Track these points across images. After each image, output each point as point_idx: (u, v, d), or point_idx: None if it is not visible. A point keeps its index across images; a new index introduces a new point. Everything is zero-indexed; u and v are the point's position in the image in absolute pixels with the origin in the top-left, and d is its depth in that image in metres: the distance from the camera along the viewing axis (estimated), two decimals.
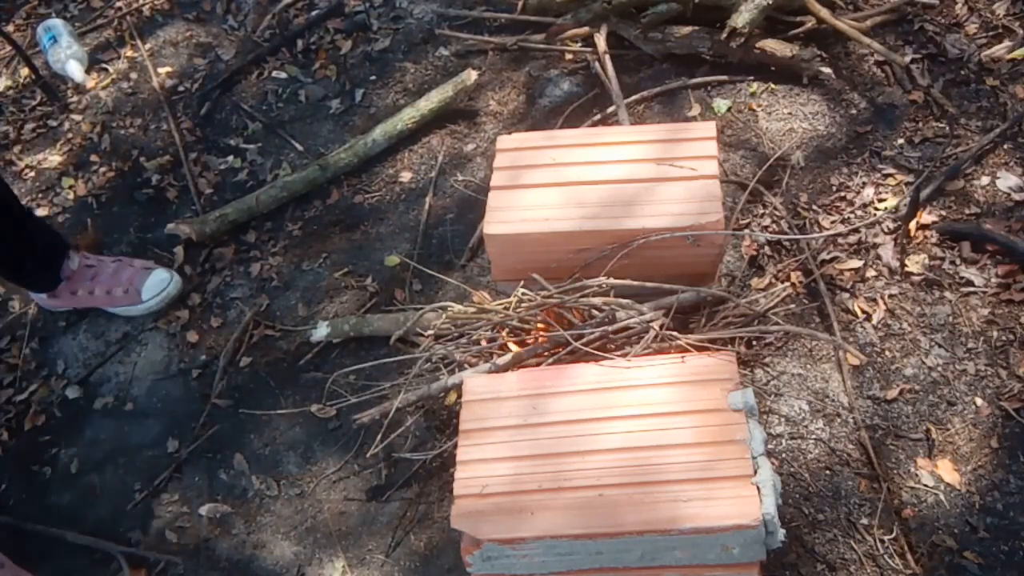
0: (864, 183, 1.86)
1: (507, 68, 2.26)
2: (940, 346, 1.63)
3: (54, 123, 2.43)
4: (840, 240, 1.79)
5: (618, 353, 1.52)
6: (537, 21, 2.26)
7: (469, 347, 1.63)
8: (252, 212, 2.08)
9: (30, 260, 1.89)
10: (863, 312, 1.69)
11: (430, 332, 1.68)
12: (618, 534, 1.25)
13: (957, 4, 2.10)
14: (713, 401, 1.36)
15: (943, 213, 1.79)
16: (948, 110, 1.92)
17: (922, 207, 1.78)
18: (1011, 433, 1.52)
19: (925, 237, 1.76)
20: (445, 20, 2.40)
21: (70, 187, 2.28)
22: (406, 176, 2.12)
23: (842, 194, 1.86)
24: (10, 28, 2.70)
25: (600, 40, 2.14)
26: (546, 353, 1.57)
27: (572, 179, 1.64)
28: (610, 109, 2.05)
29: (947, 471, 1.50)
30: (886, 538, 1.45)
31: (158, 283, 1.96)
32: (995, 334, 1.62)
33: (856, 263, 1.75)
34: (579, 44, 2.23)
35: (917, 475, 1.50)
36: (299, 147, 2.23)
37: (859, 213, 1.82)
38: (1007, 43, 2.00)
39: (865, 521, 1.47)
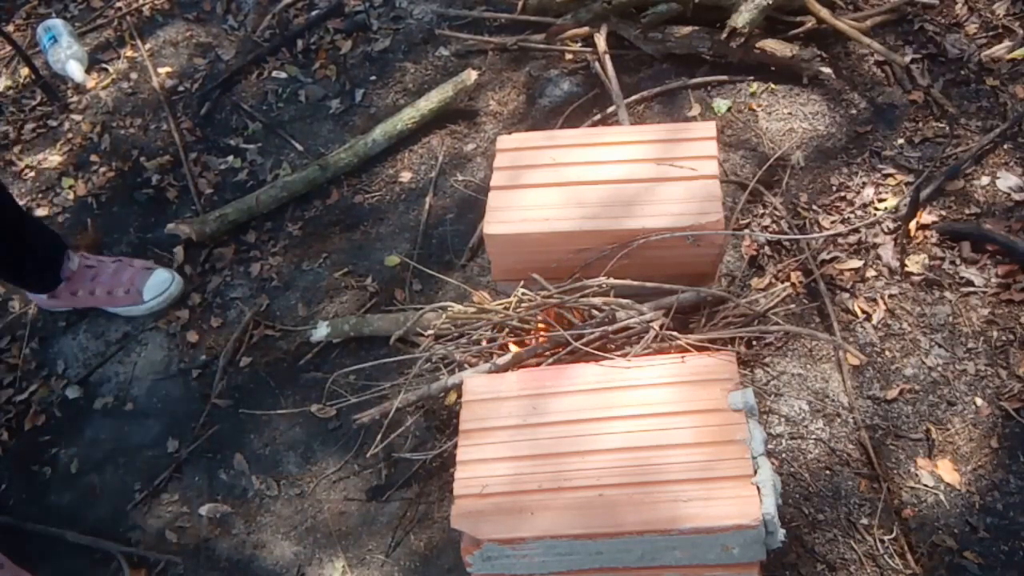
0: (864, 183, 1.86)
1: (507, 68, 2.26)
2: (940, 346, 1.63)
3: (54, 123, 2.43)
4: (840, 240, 1.79)
5: (618, 353, 1.52)
6: (537, 21, 2.26)
7: (469, 347, 1.63)
8: (252, 212, 2.08)
9: (29, 261, 1.89)
10: (863, 312, 1.69)
11: (430, 332, 1.68)
12: (618, 534, 1.25)
13: (957, 4, 2.10)
14: (713, 401, 1.36)
15: (943, 213, 1.79)
16: (948, 110, 1.92)
17: (922, 207, 1.78)
18: (1011, 433, 1.52)
19: (925, 237, 1.76)
20: (445, 20, 2.40)
21: (70, 187, 2.28)
22: (406, 176, 2.12)
23: (842, 194, 1.86)
24: (10, 28, 2.70)
25: (600, 40, 2.14)
26: (546, 353, 1.57)
27: (572, 179, 1.64)
28: (610, 109, 2.05)
29: (947, 471, 1.50)
30: (886, 538, 1.45)
31: (160, 283, 1.96)
32: (995, 334, 1.63)
33: (856, 263, 1.75)
34: (579, 44, 2.23)
35: (917, 475, 1.50)
36: (299, 147, 2.23)
37: (859, 213, 1.82)
38: (1007, 43, 2.00)
39: (865, 521, 1.47)
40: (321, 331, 1.82)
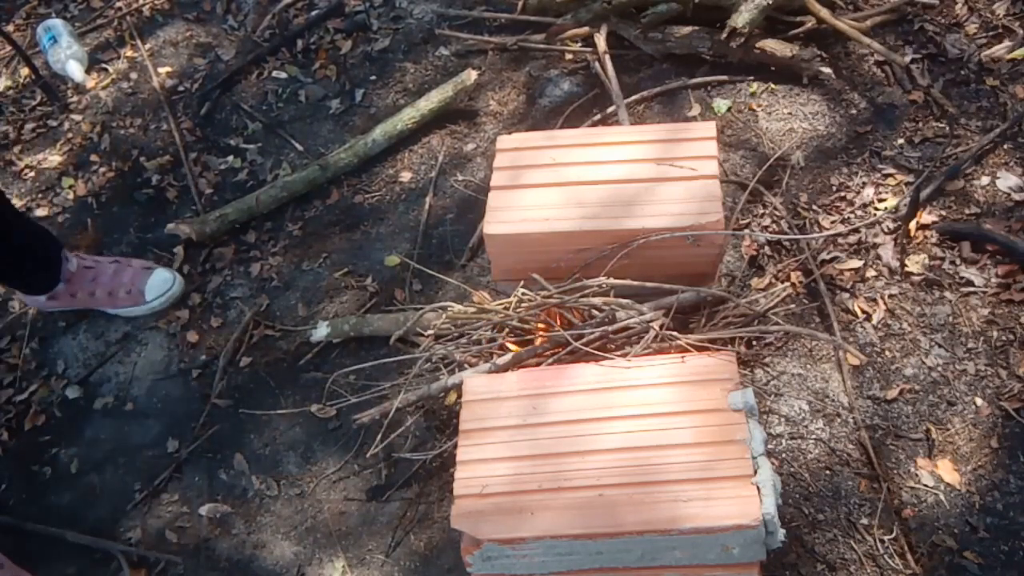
0: (864, 183, 1.86)
1: (507, 68, 2.26)
2: (940, 346, 1.63)
3: (54, 123, 2.43)
4: (840, 240, 1.79)
5: (618, 353, 1.52)
6: (537, 21, 2.26)
7: (469, 347, 1.63)
8: (252, 212, 2.08)
9: (28, 262, 1.88)
10: (863, 312, 1.69)
11: (430, 332, 1.68)
12: (618, 534, 1.25)
13: (957, 4, 2.10)
14: (713, 401, 1.36)
15: (943, 213, 1.79)
16: (948, 110, 1.92)
17: (922, 207, 1.78)
18: (1011, 433, 1.52)
19: (925, 237, 1.76)
20: (445, 20, 2.40)
21: (70, 187, 2.28)
22: (406, 176, 2.12)
23: (842, 194, 1.86)
24: (10, 28, 2.70)
25: (600, 40, 2.14)
26: (546, 353, 1.57)
27: (572, 179, 1.64)
28: (610, 109, 2.05)
29: (947, 471, 1.50)
30: (886, 538, 1.45)
31: (161, 283, 1.96)
32: (995, 334, 1.63)
33: (856, 263, 1.75)
34: (579, 44, 2.23)
35: (917, 475, 1.50)
36: (299, 147, 2.23)
37: (859, 213, 1.82)
38: (1007, 43, 2.00)
39: (865, 521, 1.47)
40: (321, 331, 1.82)
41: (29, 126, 2.44)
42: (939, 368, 1.61)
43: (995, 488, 1.47)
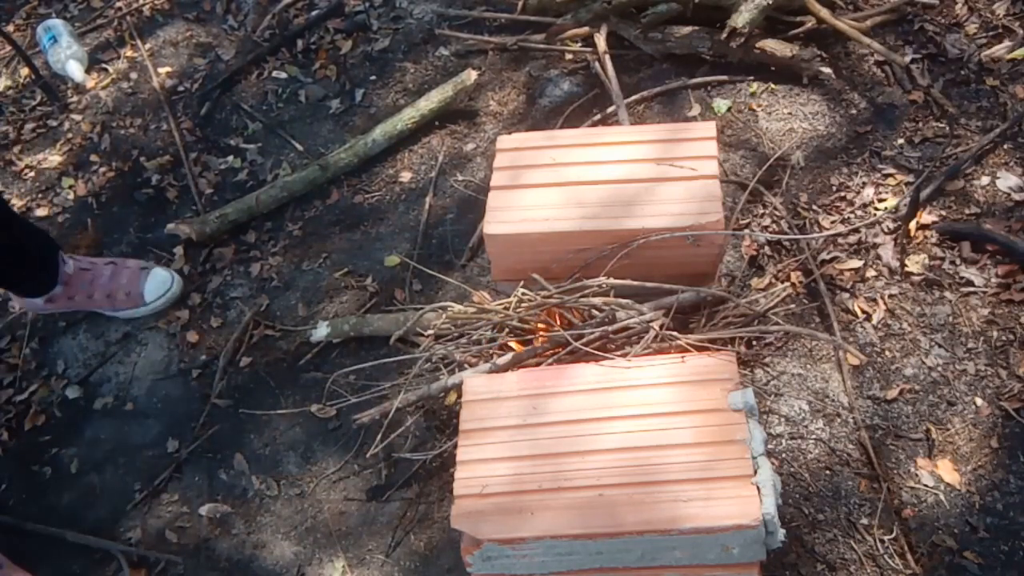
0: (864, 183, 1.86)
1: (507, 68, 2.26)
2: (940, 346, 1.63)
3: (54, 123, 2.43)
4: (840, 240, 1.79)
5: (618, 353, 1.52)
6: (537, 21, 2.26)
7: (469, 347, 1.63)
8: (252, 212, 2.08)
9: (26, 264, 1.85)
10: (863, 312, 1.69)
11: (430, 332, 1.68)
12: (618, 534, 1.25)
13: (957, 4, 2.10)
14: (713, 401, 1.36)
15: (943, 213, 1.79)
16: (948, 110, 1.92)
17: (922, 207, 1.78)
18: (1011, 433, 1.52)
19: (925, 237, 1.76)
20: (445, 20, 2.40)
21: (70, 187, 2.28)
22: (406, 176, 2.12)
23: (842, 194, 1.86)
24: (10, 28, 2.70)
25: (600, 40, 2.14)
26: (546, 353, 1.57)
27: (572, 179, 1.64)
28: (610, 109, 2.05)
29: (947, 471, 1.50)
30: (886, 538, 1.45)
31: (160, 284, 1.95)
32: (995, 334, 1.63)
33: (856, 263, 1.75)
34: (579, 44, 2.23)
35: (917, 475, 1.50)
36: (299, 147, 2.23)
37: (859, 213, 1.82)
38: (1007, 43, 2.00)
39: (865, 521, 1.47)
40: (321, 331, 1.82)
41: (29, 126, 2.44)
42: (939, 368, 1.61)
43: (995, 488, 1.47)
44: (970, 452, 1.51)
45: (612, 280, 1.57)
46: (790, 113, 2.01)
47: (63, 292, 1.92)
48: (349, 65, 2.37)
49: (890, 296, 1.70)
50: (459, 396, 1.52)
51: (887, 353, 1.64)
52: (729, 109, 2.04)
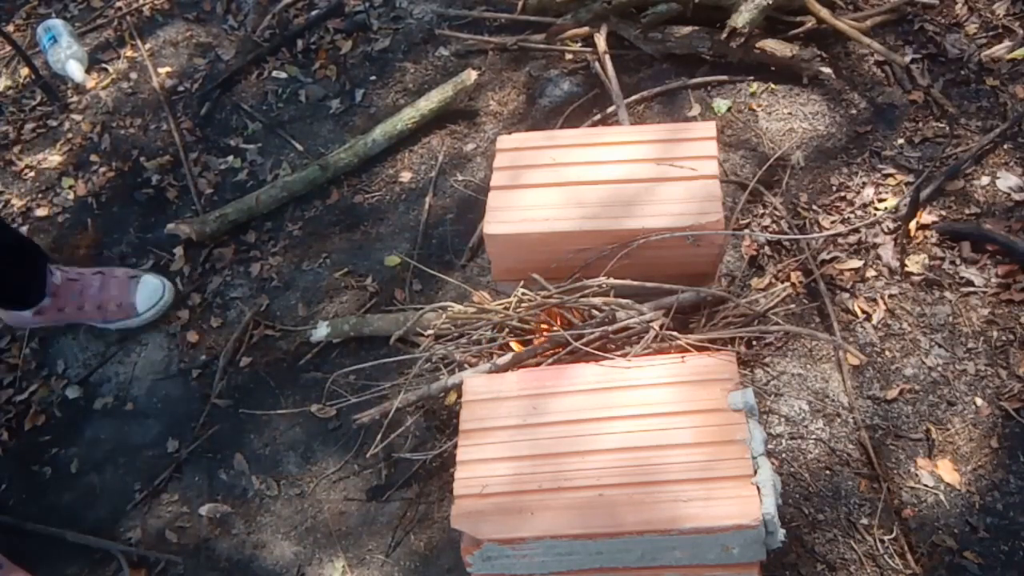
0: (864, 183, 1.86)
1: (507, 68, 2.26)
2: (940, 346, 1.63)
3: (54, 123, 2.43)
4: (840, 240, 1.79)
5: (618, 353, 1.52)
6: (537, 21, 2.26)
7: (469, 347, 1.63)
8: (252, 212, 2.08)
9: (15, 273, 1.80)
10: (863, 312, 1.69)
11: (430, 332, 1.68)
12: (618, 534, 1.25)
13: (957, 4, 2.10)
14: (713, 401, 1.36)
15: (943, 213, 1.79)
16: (948, 110, 1.92)
17: (922, 207, 1.78)
18: (1011, 433, 1.52)
19: (925, 237, 1.76)
20: (445, 20, 2.40)
21: (70, 187, 2.28)
22: (406, 176, 2.12)
23: (842, 194, 1.86)
24: (10, 28, 2.70)
25: (600, 40, 2.14)
26: (546, 353, 1.57)
27: (572, 179, 1.64)
28: (610, 109, 2.05)
29: (947, 471, 1.50)
30: (886, 538, 1.45)
31: (152, 293, 1.92)
32: (995, 334, 1.63)
33: (856, 263, 1.75)
34: (579, 44, 2.23)
35: (917, 475, 1.50)
36: (299, 147, 2.23)
37: (859, 213, 1.82)
38: (1007, 43, 2.00)
39: (865, 521, 1.47)
40: (321, 331, 1.82)
41: (29, 126, 2.44)
42: (939, 368, 1.61)
43: (995, 488, 1.47)
44: (970, 452, 1.51)
45: (612, 280, 1.57)
46: (790, 113, 2.01)
47: (52, 304, 1.88)
48: (349, 65, 2.37)
49: (890, 296, 1.70)
50: (459, 396, 1.52)
51: (887, 353, 1.64)
52: (729, 109, 2.04)
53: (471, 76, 2.15)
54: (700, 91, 2.09)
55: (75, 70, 2.45)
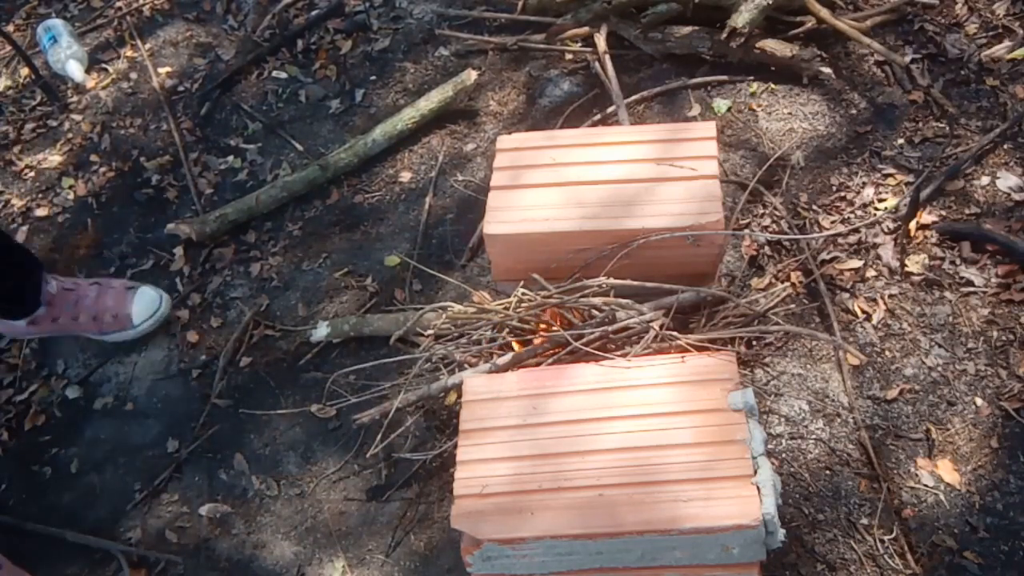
0: (864, 183, 1.86)
1: (507, 68, 2.26)
2: (940, 346, 1.63)
3: (54, 123, 2.43)
4: (840, 240, 1.79)
5: (618, 353, 1.52)
6: (537, 21, 2.26)
7: (469, 347, 1.63)
8: (252, 212, 2.08)
9: (8, 283, 1.77)
10: (863, 312, 1.69)
11: (430, 332, 1.68)
12: (618, 534, 1.25)
13: (957, 4, 2.10)
14: (713, 401, 1.36)
15: (943, 213, 1.79)
16: (948, 110, 1.92)
17: (922, 207, 1.78)
18: (1011, 433, 1.52)
19: (925, 237, 1.76)
20: (445, 20, 2.40)
21: (70, 187, 2.28)
22: (406, 176, 2.12)
23: (842, 194, 1.86)
24: (10, 28, 2.70)
25: (600, 40, 2.14)
26: (546, 353, 1.57)
27: (572, 179, 1.64)
28: (610, 109, 2.05)
29: (947, 471, 1.50)
30: (886, 538, 1.45)
31: (149, 304, 1.90)
32: (995, 334, 1.62)
33: (856, 263, 1.75)
34: (579, 44, 2.23)
35: (917, 475, 1.50)
36: (299, 147, 2.23)
37: (859, 213, 1.82)
38: (1007, 43, 2.00)
39: (865, 521, 1.47)
40: (321, 331, 1.82)
41: (29, 126, 2.44)
42: (939, 368, 1.61)
43: (995, 488, 1.47)
44: (970, 452, 1.51)
45: (612, 280, 1.57)
46: (790, 113, 2.01)
47: (47, 314, 1.85)
48: (349, 65, 2.37)
49: (890, 296, 1.70)
50: (459, 396, 1.52)
51: (887, 353, 1.64)
52: (729, 109, 2.04)
53: (471, 76, 2.15)
54: (700, 91, 2.09)
55: (75, 70, 2.45)
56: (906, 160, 1.88)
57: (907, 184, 1.83)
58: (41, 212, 2.24)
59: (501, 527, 1.28)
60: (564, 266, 1.61)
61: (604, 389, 1.41)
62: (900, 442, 1.54)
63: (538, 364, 1.56)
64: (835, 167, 1.90)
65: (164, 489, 1.74)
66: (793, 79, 2.04)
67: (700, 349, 1.50)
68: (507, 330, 1.63)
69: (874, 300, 1.70)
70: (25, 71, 2.50)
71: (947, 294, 1.68)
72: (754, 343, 1.68)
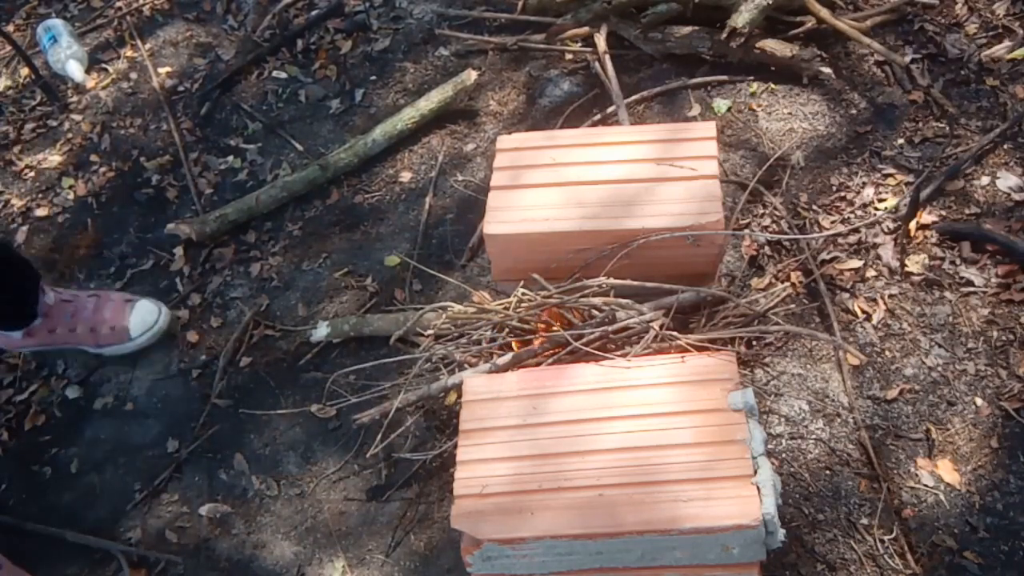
0: (864, 183, 1.86)
1: (507, 68, 2.26)
2: (940, 346, 1.63)
3: (54, 123, 2.43)
4: (840, 240, 1.79)
5: (618, 353, 1.52)
6: (537, 21, 2.26)
7: (469, 347, 1.63)
8: (252, 212, 2.08)
9: (7, 292, 1.75)
10: (863, 312, 1.69)
11: (430, 332, 1.68)
12: (618, 534, 1.25)
13: (957, 4, 2.10)
14: (713, 401, 1.36)
15: (943, 213, 1.79)
16: (948, 110, 1.92)
17: (922, 207, 1.78)
18: (1011, 433, 1.52)
19: (925, 237, 1.76)
20: (445, 20, 2.40)
21: (70, 187, 2.28)
22: (406, 176, 2.12)
23: (842, 194, 1.86)
24: (10, 28, 2.70)
25: (600, 40, 2.14)
26: (546, 353, 1.57)
27: (572, 179, 1.64)
28: (610, 109, 2.05)
29: (947, 471, 1.50)
30: (886, 538, 1.45)
31: (147, 317, 1.87)
32: (995, 334, 1.62)
33: (856, 263, 1.75)
34: (579, 44, 2.23)
35: (917, 475, 1.50)
36: (299, 147, 2.23)
37: (859, 213, 1.82)
38: (1007, 43, 2.00)
39: (865, 521, 1.47)
40: (321, 331, 1.82)
41: (29, 126, 2.44)
42: (939, 368, 1.61)
43: (995, 488, 1.47)
44: (970, 452, 1.51)
45: (612, 280, 1.57)
46: (790, 113, 2.01)
47: (43, 325, 1.83)
48: (349, 65, 2.37)
49: (890, 296, 1.70)
50: (459, 396, 1.52)
51: (887, 353, 1.64)
52: (729, 109, 2.04)
53: (471, 76, 2.15)
54: (700, 91, 2.09)
55: (75, 70, 2.45)
56: (906, 160, 1.88)
57: (907, 184, 1.83)
58: (41, 212, 2.24)
59: (501, 527, 1.28)
60: (564, 266, 1.61)
61: (604, 389, 1.41)
62: (900, 442, 1.54)
63: (538, 364, 1.56)
64: (835, 167, 1.90)
65: (164, 489, 1.74)
66: (793, 79, 2.04)
67: (700, 349, 1.50)
68: (507, 330, 1.63)
69: (874, 300, 1.70)
70: (25, 71, 2.50)
71: (947, 294, 1.68)
72: (754, 343, 1.68)
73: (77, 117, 2.43)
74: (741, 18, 1.96)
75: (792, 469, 1.54)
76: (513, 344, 1.62)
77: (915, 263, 1.72)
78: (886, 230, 1.78)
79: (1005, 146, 1.85)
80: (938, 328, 1.65)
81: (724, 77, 2.09)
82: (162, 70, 2.48)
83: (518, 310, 1.60)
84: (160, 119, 2.36)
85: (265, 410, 1.80)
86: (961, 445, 1.52)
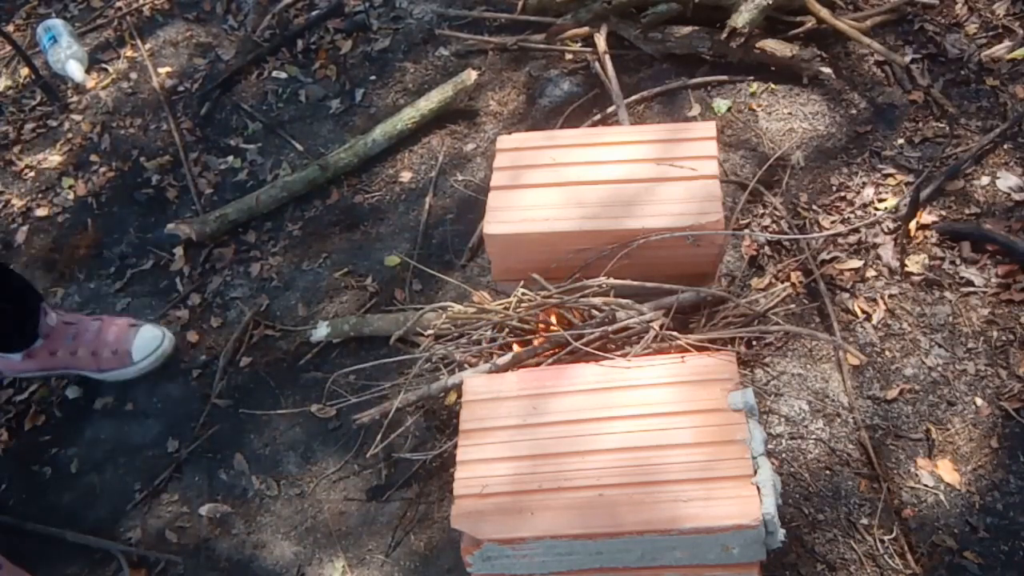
0: (864, 183, 1.86)
1: (507, 68, 2.26)
2: (940, 346, 1.63)
3: (54, 123, 2.43)
4: (840, 240, 1.79)
5: (618, 353, 1.52)
6: (537, 21, 2.26)
7: (469, 347, 1.63)
8: (252, 212, 2.08)
9: (7, 313, 1.72)
10: (863, 312, 1.69)
11: (430, 332, 1.68)
12: (618, 534, 1.25)
13: (957, 4, 2.10)
14: (713, 401, 1.36)
15: (943, 213, 1.79)
16: (948, 110, 1.92)
17: (922, 207, 1.78)
18: (1011, 433, 1.52)
19: (925, 237, 1.76)
20: (445, 20, 2.40)
21: (70, 187, 2.28)
22: (406, 176, 2.12)
23: (842, 194, 1.86)
24: (10, 28, 2.70)
25: (600, 40, 2.14)
26: (546, 353, 1.57)
27: (572, 179, 1.64)
28: (610, 109, 2.05)
29: (947, 471, 1.49)
30: (886, 538, 1.45)
31: (150, 341, 1.83)
32: (995, 334, 1.62)
33: (856, 263, 1.75)
34: (579, 44, 2.23)
35: (917, 475, 1.50)
36: (299, 147, 2.23)
37: (859, 213, 1.82)
38: (1007, 43, 2.00)
39: (865, 521, 1.47)
40: (321, 331, 1.82)
41: (29, 126, 2.44)
42: (939, 368, 1.61)
43: (995, 488, 1.47)
44: (970, 452, 1.51)
45: (612, 280, 1.57)
46: (790, 113, 2.01)
47: (44, 347, 1.79)
48: (349, 65, 2.37)
49: (890, 296, 1.70)
50: (459, 396, 1.52)
51: (887, 353, 1.64)
52: (729, 109, 2.04)
53: (471, 76, 2.15)
54: (700, 91, 2.09)
55: (75, 70, 2.45)
56: (906, 160, 1.88)
57: (907, 184, 1.83)
58: (41, 212, 2.24)
59: (501, 527, 1.28)
60: (564, 266, 1.61)
61: (604, 389, 1.41)
62: (900, 442, 1.54)
63: (538, 364, 1.56)
64: (835, 167, 1.90)
65: (164, 489, 1.74)
66: (793, 79, 2.04)
67: (700, 349, 1.50)
68: (507, 330, 1.63)
69: (874, 300, 1.70)
70: (25, 71, 2.50)
71: (947, 294, 1.68)
72: (754, 343, 1.68)
73: (77, 117, 2.43)
74: (741, 18, 1.96)
75: (792, 469, 1.54)
76: (513, 344, 1.62)
77: (915, 263, 1.72)
78: (886, 230, 1.78)
79: (1005, 146, 1.85)
80: (938, 328, 1.65)
81: (724, 77, 2.09)
82: (162, 70, 2.48)
83: (518, 310, 1.60)
84: (160, 119, 2.36)
85: (265, 410, 1.80)
86: (961, 445, 1.52)
